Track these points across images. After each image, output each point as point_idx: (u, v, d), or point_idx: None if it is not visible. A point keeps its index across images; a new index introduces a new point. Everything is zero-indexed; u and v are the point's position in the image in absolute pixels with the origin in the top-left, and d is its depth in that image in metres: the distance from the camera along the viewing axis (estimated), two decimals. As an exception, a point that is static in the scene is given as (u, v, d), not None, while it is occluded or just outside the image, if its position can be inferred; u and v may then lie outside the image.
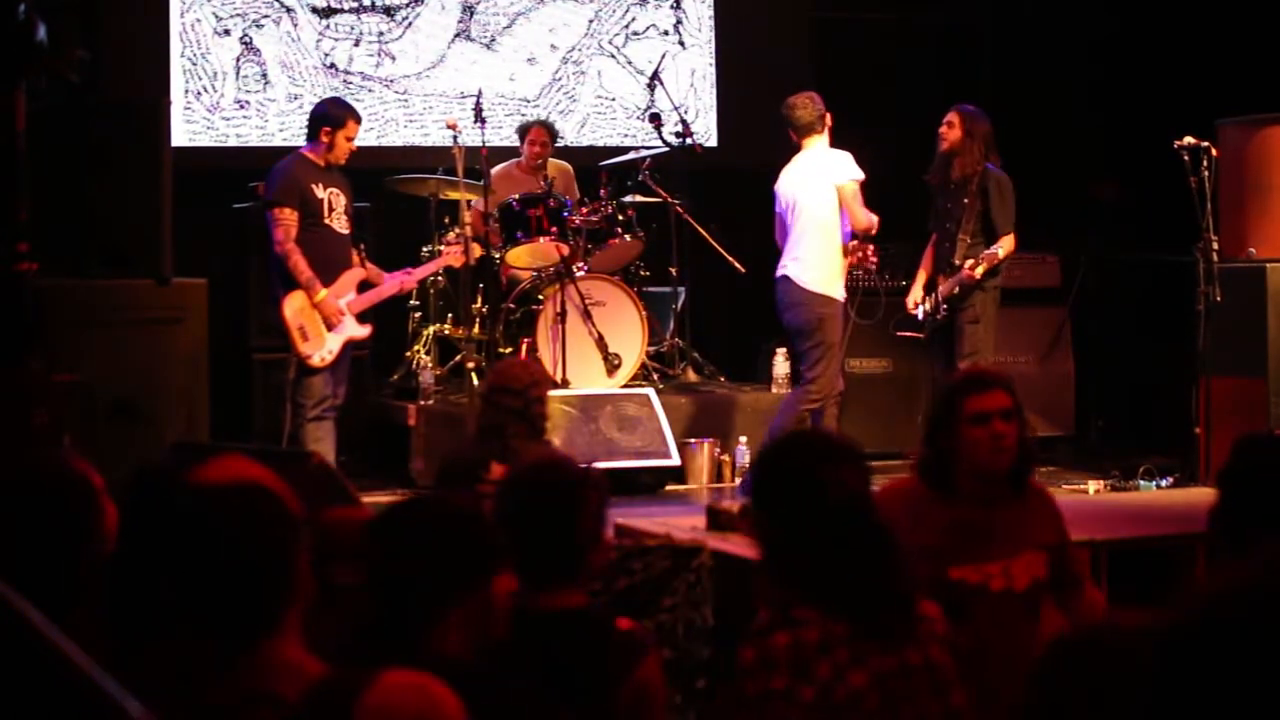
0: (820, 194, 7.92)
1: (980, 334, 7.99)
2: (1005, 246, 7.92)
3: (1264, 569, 1.65)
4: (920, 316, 8.21)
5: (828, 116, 8.06)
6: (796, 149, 8.07)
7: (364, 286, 7.90)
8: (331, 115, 7.83)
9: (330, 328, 7.66)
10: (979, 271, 7.82)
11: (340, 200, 7.81)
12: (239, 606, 2.33)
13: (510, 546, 3.35)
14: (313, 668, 2.26)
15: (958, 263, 7.97)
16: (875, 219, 7.96)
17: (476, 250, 8.59)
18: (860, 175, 7.97)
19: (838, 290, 7.99)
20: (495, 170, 9.43)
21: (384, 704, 2.13)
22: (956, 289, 7.95)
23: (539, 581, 3.27)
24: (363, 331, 7.84)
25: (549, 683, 3.14)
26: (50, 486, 3.03)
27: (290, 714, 2.20)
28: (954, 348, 8.02)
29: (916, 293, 8.25)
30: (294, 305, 7.63)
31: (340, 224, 7.80)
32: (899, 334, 8.41)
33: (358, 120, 7.92)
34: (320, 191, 7.72)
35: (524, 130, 9.55)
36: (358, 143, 9.84)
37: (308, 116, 8.05)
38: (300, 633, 2.33)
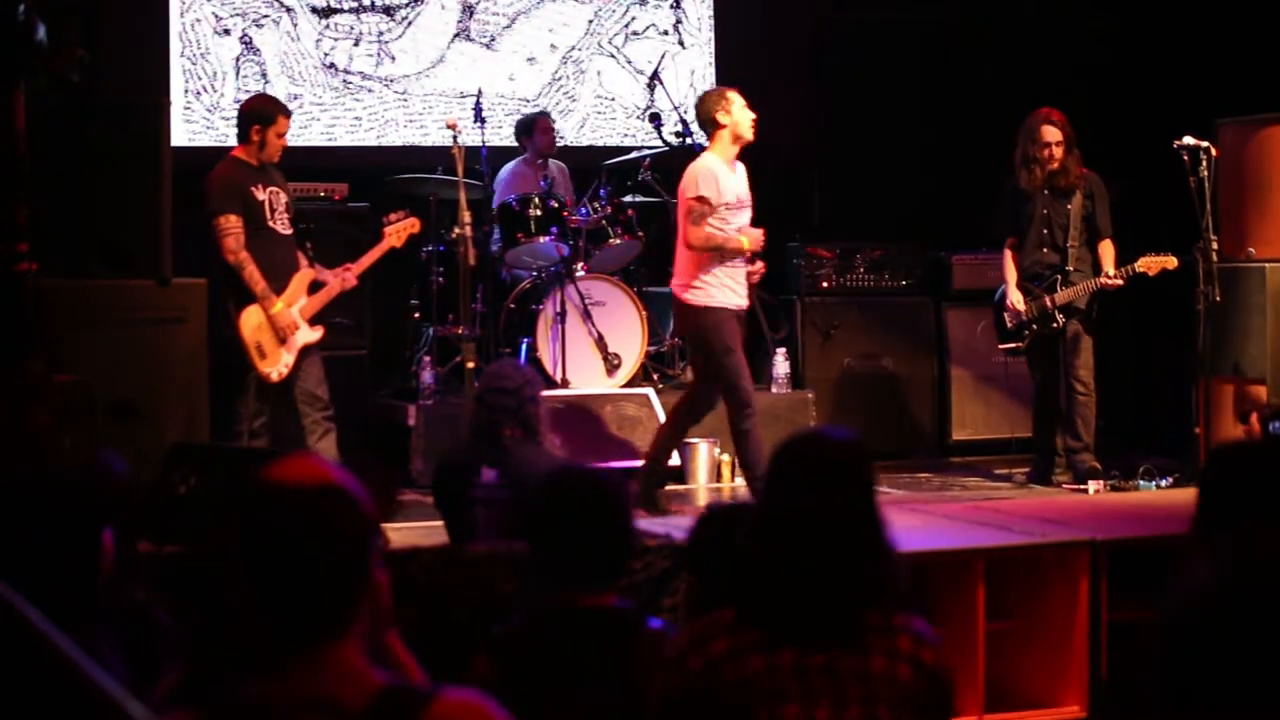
0: None
1: (1094, 343, 8.21)
2: (1111, 250, 8.18)
3: (1244, 555, 1.66)
4: (1009, 325, 8.32)
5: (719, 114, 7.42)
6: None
7: (314, 287, 7.64)
8: (260, 112, 7.55)
9: (283, 340, 7.43)
10: (1113, 280, 8.05)
11: (280, 199, 7.54)
12: (308, 609, 2.28)
13: (547, 547, 3.40)
14: (373, 677, 2.25)
15: (1072, 269, 8.18)
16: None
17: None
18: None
19: None
20: (505, 170, 9.43)
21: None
22: (1085, 295, 8.15)
23: (576, 582, 3.32)
24: (314, 336, 7.55)
25: (582, 680, 3.19)
26: (64, 491, 3.03)
27: None
28: (1060, 354, 8.23)
29: (1019, 303, 8.31)
30: (251, 322, 7.37)
31: (282, 225, 7.54)
32: (1001, 346, 8.44)
33: (287, 115, 7.66)
34: (260, 193, 7.44)
35: (530, 123, 9.50)
36: (358, 142, 9.92)
37: (237, 116, 7.75)
38: (362, 640, 2.31)
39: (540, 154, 9.50)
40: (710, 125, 7.42)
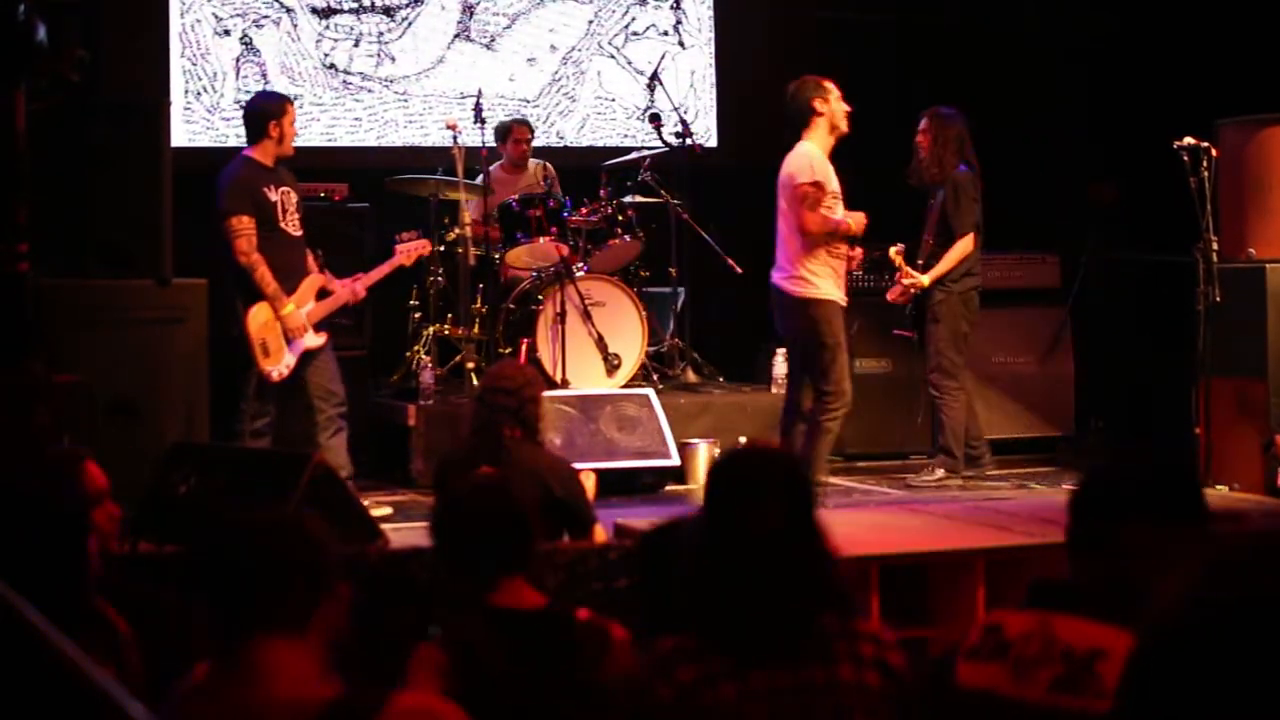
0: None
1: (939, 334, 8.22)
2: (958, 250, 8.14)
3: (1216, 568, 1.65)
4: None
5: (816, 102, 7.34)
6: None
7: (322, 293, 7.59)
8: (270, 108, 7.49)
9: (290, 341, 7.37)
10: (912, 281, 8.09)
11: (292, 200, 7.48)
12: (244, 591, 2.28)
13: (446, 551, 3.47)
14: (318, 691, 2.22)
15: (921, 264, 8.27)
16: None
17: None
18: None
19: None
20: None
21: None
22: (914, 291, 8.21)
23: (490, 582, 3.35)
24: (318, 341, 7.49)
25: (523, 679, 3.19)
26: (37, 496, 3.01)
27: None
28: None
29: (894, 290, 8.42)
30: (258, 319, 7.31)
31: (293, 227, 7.47)
32: (895, 333, 8.57)
33: (291, 101, 7.68)
34: (273, 194, 7.38)
35: (505, 131, 9.51)
36: (358, 142, 9.92)
37: (244, 119, 7.67)
38: (318, 649, 2.28)
39: (512, 162, 9.52)
40: (807, 113, 7.28)
